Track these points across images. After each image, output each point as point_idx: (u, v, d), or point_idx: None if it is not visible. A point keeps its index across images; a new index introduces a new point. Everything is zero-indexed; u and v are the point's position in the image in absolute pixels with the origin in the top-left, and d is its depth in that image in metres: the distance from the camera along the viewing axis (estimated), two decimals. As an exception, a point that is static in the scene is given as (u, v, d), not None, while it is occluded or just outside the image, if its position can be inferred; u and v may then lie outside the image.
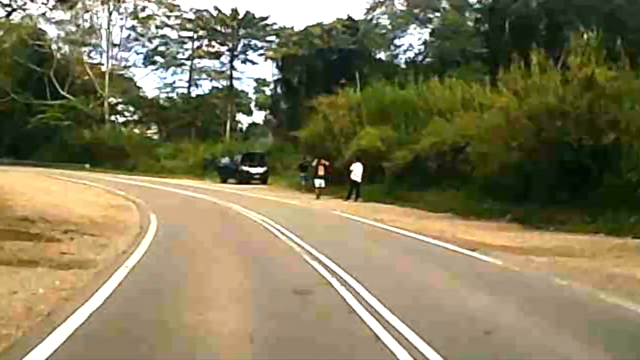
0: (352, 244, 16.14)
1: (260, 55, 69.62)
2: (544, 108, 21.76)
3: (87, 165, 59.92)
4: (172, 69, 74.08)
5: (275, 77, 68.71)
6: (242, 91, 77.20)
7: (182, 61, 72.76)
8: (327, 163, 32.62)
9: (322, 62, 60.94)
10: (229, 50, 69.80)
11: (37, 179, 41.50)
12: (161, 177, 52.46)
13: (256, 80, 77.31)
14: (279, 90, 69.48)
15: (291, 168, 49.63)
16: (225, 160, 48.70)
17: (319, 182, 32.08)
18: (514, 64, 23.85)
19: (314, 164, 32.77)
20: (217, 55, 71.09)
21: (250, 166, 45.82)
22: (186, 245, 14.78)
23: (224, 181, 46.71)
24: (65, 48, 70.74)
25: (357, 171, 30.81)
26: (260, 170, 45.80)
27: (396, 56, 63.51)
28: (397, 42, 63.34)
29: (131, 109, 76.42)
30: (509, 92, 24.01)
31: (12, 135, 66.56)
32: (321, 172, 32.13)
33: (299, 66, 63.24)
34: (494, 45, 54.52)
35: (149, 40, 72.87)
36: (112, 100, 72.24)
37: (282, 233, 16.52)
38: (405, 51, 63.51)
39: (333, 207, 26.52)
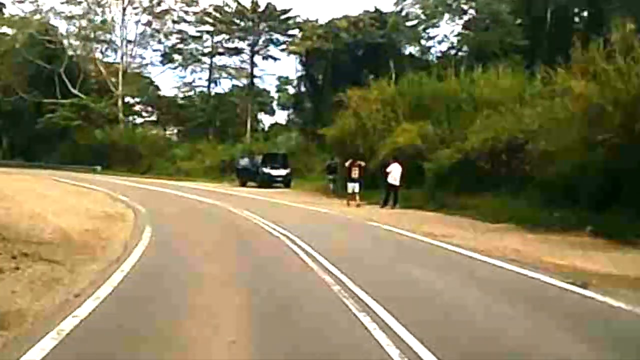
0: (414, 278, 11.16)
1: (283, 50, 65.74)
2: (635, 94, 17.41)
3: (99, 168, 56.42)
4: (190, 67, 70.53)
5: (299, 74, 64.65)
6: (264, 90, 73.69)
7: (201, 57, 68.86)
8: (362, 164, 28.30)
9: (349, 58, 56.82)
10: (249, 45, 65.78)
11: (39, 182, 37.91)
12: (176, 179, 48.64)
13: (278, 78, 73.91)
14: (302, 88, 65.54)
15: (316, 170, 45.95)
16: (244, 161, 44.56)
17: (352, 187, 27.63)
18: (593, 43, 19.54)
19: (347, 164, 28.41)
20: (237, 52, 67.30)
21: (271, 168, 41.70)
22: (176, 288, 9.58)
23: (243, 184, 42.69)
24: (77, 44, 67.17)
25: (395, 173, 26.52)
26: (282, 172, 41.67)
27: (428, 50, 59.16)
28: (428, 35, 58.92)
29: (147, 108, 72.97)
30: (584, 77, 19.65)
31: (22, 136, 63.41)
32: (355, 174, 27.79)
33: (323, 61, 59.09)
34: (534, 37, 50.44)
35: (166, 36, 69.29)
36: (129, 100, 69.11)
37: (316, 260, 12.29)
38: (439, 42, 59.10)
39: (369, 217, 22.27)
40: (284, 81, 73.68)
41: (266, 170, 41.32)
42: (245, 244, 15.20)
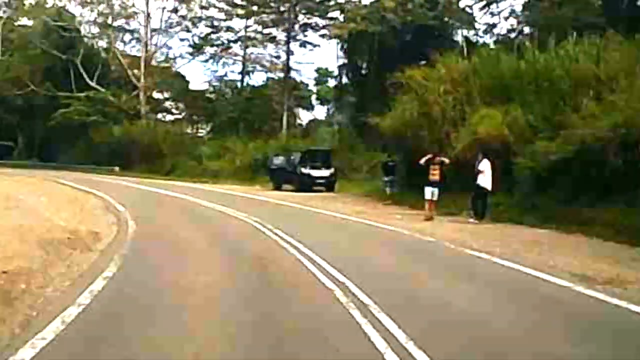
0: None
1: (322, 36, 58.41)
2: None
3: (117, 168, 50.37)
4: (222, 60, 63.94)
5: (341, 62, 57.58)
6: (302, 83, 67.04)
7: (232, 45, 62.26)
8: (446, 161, 21.01)
9: (396, 43, 49.65)
10: (284, 31, 58.84)
11: (34, 185, 32.33)
12: (201, 181, 42.14)
13: (317, 70, 67.53)
14: (344, 78, 58.61)
15: (362, 170, 39.49)
16: (278, 160, 37.55)
17: (430, 192, 20.25)
18: None
19: (422, 162, 20.85)
20: (271, 39, 60.43)
21: (312, 168, 34.83)
22: None
23: (278, 187, 35.93)
24: (95, 32, 61.56)
25: (487, 173, 19.43)
26: (325, 172, 34.75)
27: (491, 29, 51.85)
28: (489, 11, 51.54)
29: (177, 105, 66.82)
30: None
31: (37, 134, 57.75)
32: (436, 175, 20.53)
33: (367, 46, 52.00)
34: (611, 14, 43.04)
35: (193, 23, 62.54)
36: (158, 97, 64.00)
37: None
38: (505, 18, 51.89)
39: (460, 238, 15.19)
40: (323, 72, 67.46)
41: (305, 170, 34.50)
42: (280, 315, 8.14)
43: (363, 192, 31.18)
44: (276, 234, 15.15)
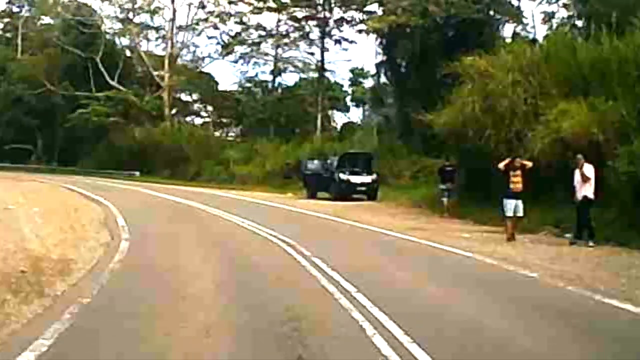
0: None
1: (359, 32, 53.30)
2: None
3: (137, 173, 46.68)
4: (253, 60, 59.63)
5: (379, 59, 53.26)
6: (336, 83, 63.04)
7: (263, 43, 58.04)
8: (528, 164, 16.50)
9: (439, 39, 45.32)
10: (318, 26, 54.59)
11: (40, 192, 28.56)
12: (228, 188, 38.22)
13: (352, 71, 63.45)
14: (382, 77, 54.40)
15: (403, 176, 35.49)
16: (313, 165, 33.11)
17: (513, 206, 15.71)
18: None
19: (501, 166, 16.38)
20: (304, 35, 55.94)
21: (351, 173, 30.60)
22: None
23: (312, 195, 31.72)
24: (117, 28, 57.68)
25: (592, 181, 15.06)
26: (366, 179, 30.48)
27: (545, 22, 47.11)
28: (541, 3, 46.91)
29: (200, 104, 63.27)
30: None
31: (57, 137, 54.49)
32: (518, 183, 16.03)
33: (409, 41, 47.64)
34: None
35: (222, 20, 58.47)
36: (187, 99, 60.33)
37: None
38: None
39: (579, 274, 10.84)
40: (358, 72, 63.50)
41: (344, 176, 30.26)
42: None
43: (411, 202, 27.01)
44: (317, 266, 11.06)
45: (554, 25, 44.53)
